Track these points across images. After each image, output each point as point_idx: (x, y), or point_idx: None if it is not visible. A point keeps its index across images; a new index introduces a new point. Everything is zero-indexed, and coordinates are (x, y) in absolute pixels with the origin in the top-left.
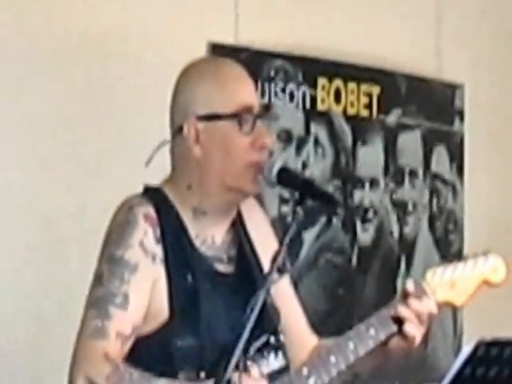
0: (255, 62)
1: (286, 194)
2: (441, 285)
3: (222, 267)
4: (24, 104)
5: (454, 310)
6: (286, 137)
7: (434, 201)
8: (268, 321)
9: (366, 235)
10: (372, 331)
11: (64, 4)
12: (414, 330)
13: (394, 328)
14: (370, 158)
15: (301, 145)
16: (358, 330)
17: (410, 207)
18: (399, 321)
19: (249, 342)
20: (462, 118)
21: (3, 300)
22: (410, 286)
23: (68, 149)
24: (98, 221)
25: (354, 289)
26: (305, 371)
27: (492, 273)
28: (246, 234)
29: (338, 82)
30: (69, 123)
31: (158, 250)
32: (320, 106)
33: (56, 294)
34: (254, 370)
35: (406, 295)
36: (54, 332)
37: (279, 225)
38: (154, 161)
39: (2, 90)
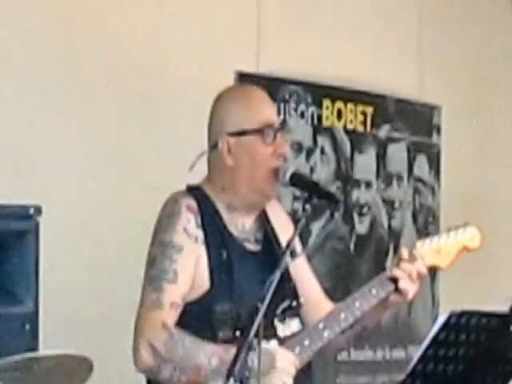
0: (273, 87)
1: (298, 193)
2: (428, 251)
3: (251, 246)
4: (86, 123)
5: (433, 283)
6: (297, 147)
7: (417, 199)
8: (289, 289)
9: (361, 226)
10: (374, 291)
11: (118, 38)
12: (407, 286)
13: (392, 287)
14: (365, 164)
15: (309, 154)
16: (362, 291)
17: (397, 204)
18: (395, 281)
19: (276, 305)
20: (439, 133)
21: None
22: (404, 252)
23: (121, 159)
24: (149, 212)
25: (351, 269)
26: (320, 325)
27: (470, 241)
28: (268, 222)
29: (339, 104)
30: (122, 140)
31: (199, 234)
32: (325, 123)
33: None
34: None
35: (399, 260)
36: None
37: (292, 218)
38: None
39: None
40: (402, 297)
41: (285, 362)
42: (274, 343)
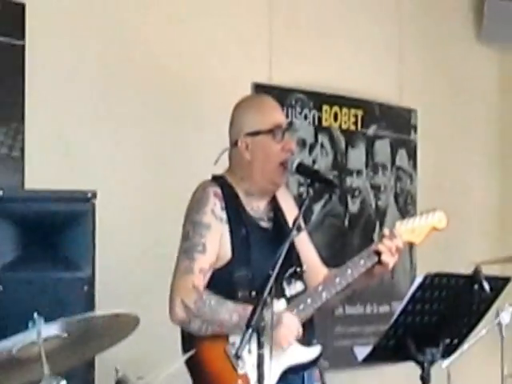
0: (283, 95)
1: (302, 179)
2: (405, 230)
3: (264, 224)
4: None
5: (411, 253)
6: (301, 143)
7: (398, 184)
8: (294, 258)
9: (353, 206)
10: (362, 261)
11: (155, 57)
12: (388, 259)
13: (376, 259)
14: (356, 156)
15: (311, 148)
16: (353, 261)
17: (382, 188)
18: (379, 254)
19: (284, 271)
20: (415, 131)
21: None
22: (386, 231)
23: (159, 154)
24: (183, 197)
25: (345, 242)
26: (319, 288)
27: (438, 222)
28: (278, 204)
29: (335, 108)
30: (160, 138)
31: (223, 215)
32: (324, 124)
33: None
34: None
35: (382, 237)
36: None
37: (297, 200)
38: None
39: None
40: (383, 267)
41: (289, 321)
42: (282, 302)
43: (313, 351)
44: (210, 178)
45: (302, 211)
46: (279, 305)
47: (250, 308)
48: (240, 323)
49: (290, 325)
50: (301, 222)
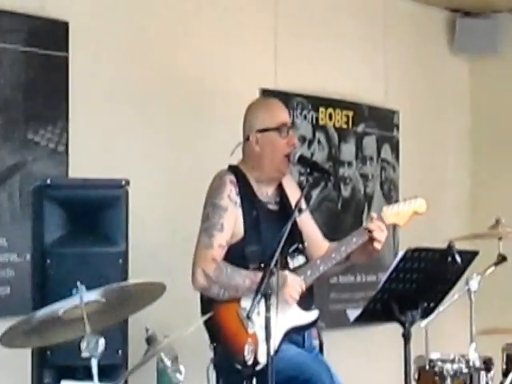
0: (286, 99)
1: (302, 169)
2: (390, 214)
3: (272, 207)
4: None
5: (394, 232)
6: (302, 139)
7: (383, 174)
8: (297, 236)
9: (346, 192)
10: (354, 239)
11: (180, 71)
12: (378, 235)
13: (366, 237)
14: (348, 150)
15: (310, 143)
16: (346, 239)
17: (370, 177)
18: (370, 232)
19: (288, 246)
20: (398, 129)
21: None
22: (374, 214)
23: (182, 149)
24: (203, 185)
25: (339, 222)
26: (318, 262)
27: (419, 207)
28: (283, 190)
29: (330, 109)
30: (184, 135)
31: (238, 199)
32: (320, 122)
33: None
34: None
35: (371, 219)
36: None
37: (298, 187)
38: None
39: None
40: (373, 245)
41: (292, 281)
42: (286, 272)
43: (312, 315)
44: (226, 167)
45: (302, 196)
46: (286, 272)
47: (259, 274)
48: (251, 287)
49: (294, 284)
50: (303, 204)
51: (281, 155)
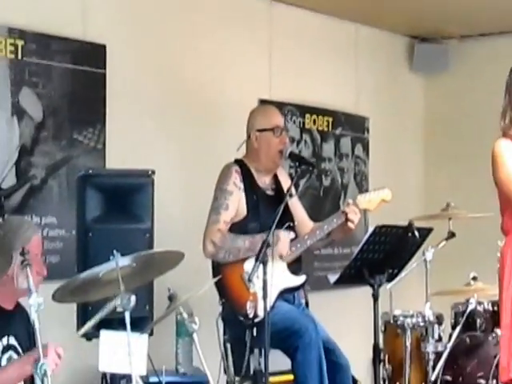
0: (279, 107)
1: (292, 163)
2: (363, 201)
3: (269, 192)
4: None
5: (365, 214)
6: (291, 139)
7: (356, 168)
8: (289, 216)
9: (326, 182)
10: (334, 220)
11: (193, 84)
12: (353, 217)
13: (343, 218)
14: (328, 148)
15: (298, 143)
16: (327, 220)
17: (345, 170)
18: (346, 215)
19: (281, 224)
20: (368, 132)
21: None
22: (349, 200)
23: (197, 145)
24: (214, 175)
25: (321, 206)
26: (305, 237)
27: (385, 196)
28: (277, 179)
29: (314, 116)
30: (198, 134)
31: (241, 185)
32: (306, 126)
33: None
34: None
35: (347, 204)
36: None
37: (289, 177)
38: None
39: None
40: (348, 226)
41: (284, 236)
42: (282, 233)
43: (300, 279)
44: (232, 160)
45: (292, 184)
46: (281, 235)
47: (257, 236)
48: (250, 247)
49: (285, 239)
50: (293, 190)
51: (275, 151)
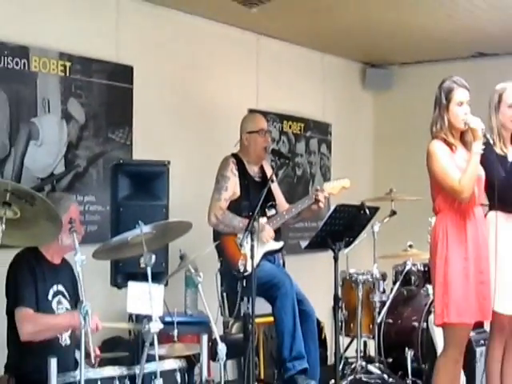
0: (264, 114)
1: (273, 157)
2: (328, 187)
3: (257, 179)
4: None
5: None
6: (273, 139)
7: (321, 162)
8: (272, 197)
9: (299, 172)
10: (306, 201)
11: (201, 99)
12: (321, 198)
13: (313, 199)
14: (300, 147)
15: (278, 142)
16: (301, 200)
17: (313, 164)
18: (315, 197)
19: (266, 203)
20: (331, 135)
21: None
22: (318, 187)
23: (203, 146)
24: (215, 165)
25: (294, 191)
26: (284, 213)
27: (345, 184)
28: (263, 169)
29: (290, 122)
30: (200, 139)
31: (236, 173)
32: (284, 130)
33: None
34: (266, 227)
35: (316, 190)
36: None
37: (272, 168)
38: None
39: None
40: (318, 206)
41: (268, 229)
42: (264, 219)
43: (279, 244)
44: (230, 154)
45: (273, 173)
46: (263, 220)
47: (248, 220)
48: (243, 227)
49: (269, 231)
50: (274, 178)
51: (260, 148)
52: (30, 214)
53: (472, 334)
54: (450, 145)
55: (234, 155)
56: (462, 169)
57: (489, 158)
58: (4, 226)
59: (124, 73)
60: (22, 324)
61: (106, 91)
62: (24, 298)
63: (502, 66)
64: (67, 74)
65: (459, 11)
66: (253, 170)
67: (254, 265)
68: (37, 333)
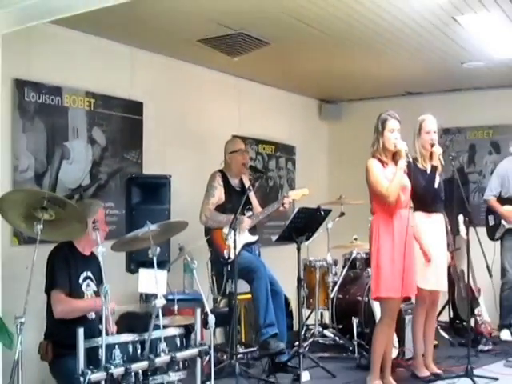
0: (244, 139)
1: (251, 172)
2: (292, 194)
3: (238, 188)
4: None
5: (294, 202)
6: (251, 158)
7: (288, 175)
8: (250, 203)
9: (271, 183)
10: (276, 205)
11: (194, 119)
12: (287, 204)
13: (281, 203)
14: (272, 164)
15: (255, 160)
16: (271, 205)
17: (282, 176)
18: (283, 202)
19: (245, 207)
20: (295, 154)
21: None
22: (285, 194)
23: (197, 161)
24: (201, 178)
25: (268, 198)
26: (258, 213)
27: (305, 192)
28: (242, 181)
29: (264, 145)
30: (195, 158)
31: (222, 183)
32: (260, 151)
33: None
34: (246, 220)
35: (283, 197)
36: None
37: (249, 180)
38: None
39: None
40: (284, 207)
41: (246, 221)
42: (244, 217)
43: (255, 237)
44: (217, 170)
45: (251, 183)
46: (243, 218)
47: (231, 216)
48: (227, 222)
49: (247, 221)
50: (251, 188)
51: (240, 164)
52: (63, 216)
53: (402, 305)
54: (382, 162)
55: (220, 171)
56: (390, 180)
57: (413, 171)
58: (42, 225)
59: (136, 107)
60: (55, 305)
61: (121, 121)
62: (58, 282)
63: (425, 102)
64: (92, 108)
65: (389, 62)
66: (234, 182)
67: (236, 253)
68: (66, 313)
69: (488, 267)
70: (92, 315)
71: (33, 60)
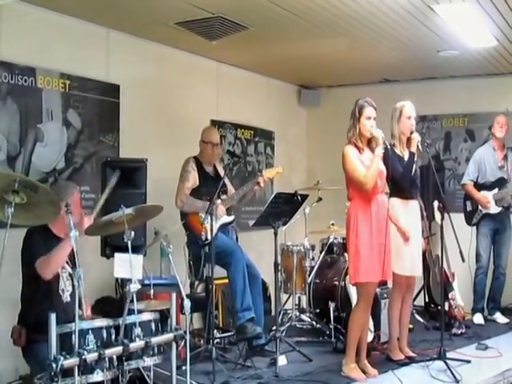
0: (222, 125)
1: (229, 157)
2: (267, 172)
3: (212, 174)
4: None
5: (272, 185)
6: (230, 143)
7: (266, 160)
8: (225, 186)
9: (250, 168)
10: (250, 184)
11: (181, 110)
12: (262, 182)
13: (256, 183)
14: (251, 149)
15: (233, 145)
16: (247, 184)
17: (261, 162)
18: (258, 180)
19: (220, 190)
20: (274, 139)
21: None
22: (260, 173)
23: (173, 148)
24: (179, 163)
25: (245, 180)
26: (234, 195)
27: (279, 169)
28: (216, 168)
29: (243, 130)
30: (172, 143)
31: (195, 168)
32: (238, 135)
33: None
34: (220, 206)
35: (258, 175)
36: None
37: (224, 167)
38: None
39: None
40: (260, 187)
41: (220, 208)
42: (219, 200)
43: (231, 217)
44: (192, 156)
45: (227, 169)
46: (218, 201)
47: (207, 203)
48: (203, 208)
49: (221, 208)
50: (226, 175)
51: (210, 156)
52: (35, 200)
53: (378, 289)
54: (359, 148)
55: (194, 157)
56: (367, 166)
57: (391, 158)
58: (13, 209)
59: (112, 90)
60: (42, 268)
61: (97, 104)
62: (38, 254)
63: (401, 89)
64: (67, 90)
65: (366, 49)
66: (208, 168)
67: (213, 235)
68: (52, 268)
69: (461, 252)
70: (67, 298)
71: (4, 40)
